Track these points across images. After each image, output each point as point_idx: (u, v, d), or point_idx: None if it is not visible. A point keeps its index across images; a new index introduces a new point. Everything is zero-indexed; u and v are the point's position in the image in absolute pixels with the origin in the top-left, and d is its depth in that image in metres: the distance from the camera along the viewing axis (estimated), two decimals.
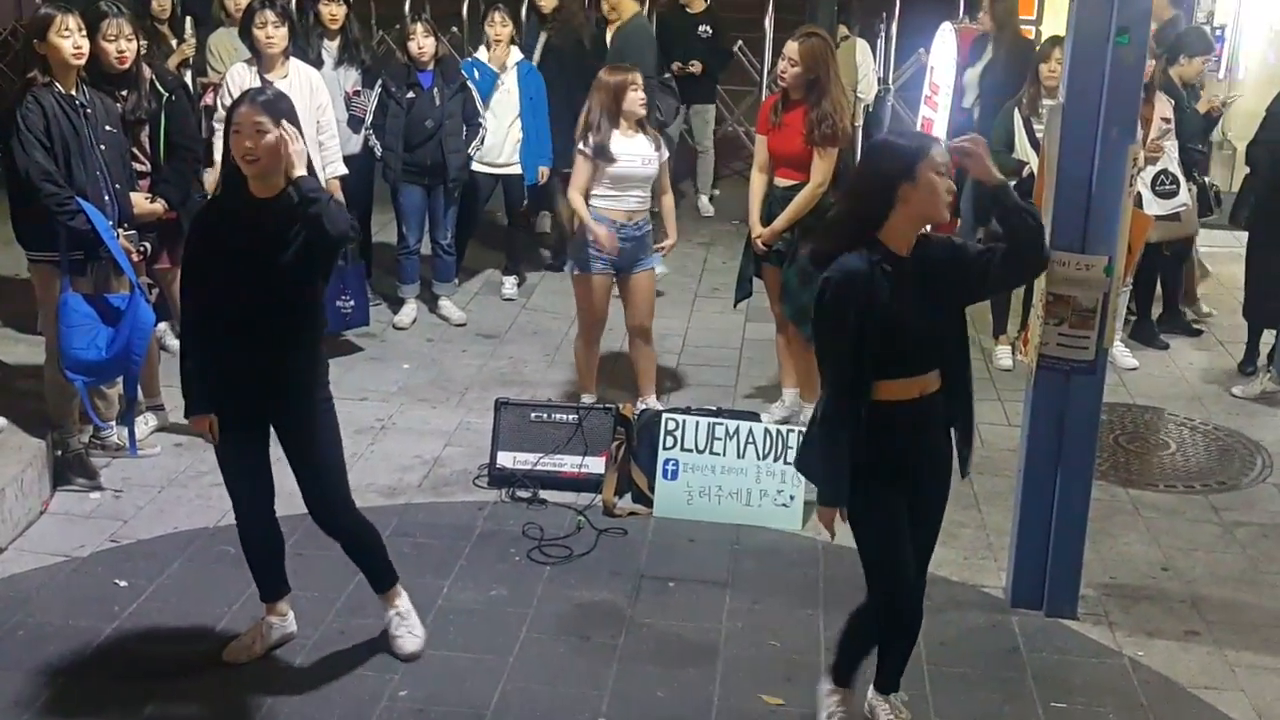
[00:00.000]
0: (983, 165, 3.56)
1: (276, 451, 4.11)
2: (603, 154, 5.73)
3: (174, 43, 7.55)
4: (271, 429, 4.06)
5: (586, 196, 5.82)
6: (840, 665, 3.87)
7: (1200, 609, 4.74)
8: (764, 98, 6.31)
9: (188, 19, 7.81)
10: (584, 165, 5.79)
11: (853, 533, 3.63)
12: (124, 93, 5.34)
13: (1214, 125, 7.89)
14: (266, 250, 3.81)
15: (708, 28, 9.03)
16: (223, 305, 3.89)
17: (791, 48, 5.90)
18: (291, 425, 4.04)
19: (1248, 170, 6.85)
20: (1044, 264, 3.75)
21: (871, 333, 3.40)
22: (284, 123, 3.77)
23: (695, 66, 8.88)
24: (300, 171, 3.78)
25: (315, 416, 4.05)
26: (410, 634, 4.25)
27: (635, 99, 5.81)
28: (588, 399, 6.04)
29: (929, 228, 3.67)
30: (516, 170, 7.68)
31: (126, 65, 5.27)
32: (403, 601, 4.31)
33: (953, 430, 3.68)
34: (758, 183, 6.03)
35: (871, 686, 3.93)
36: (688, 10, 9.13)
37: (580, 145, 5.81)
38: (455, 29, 10.69)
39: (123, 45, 5.23)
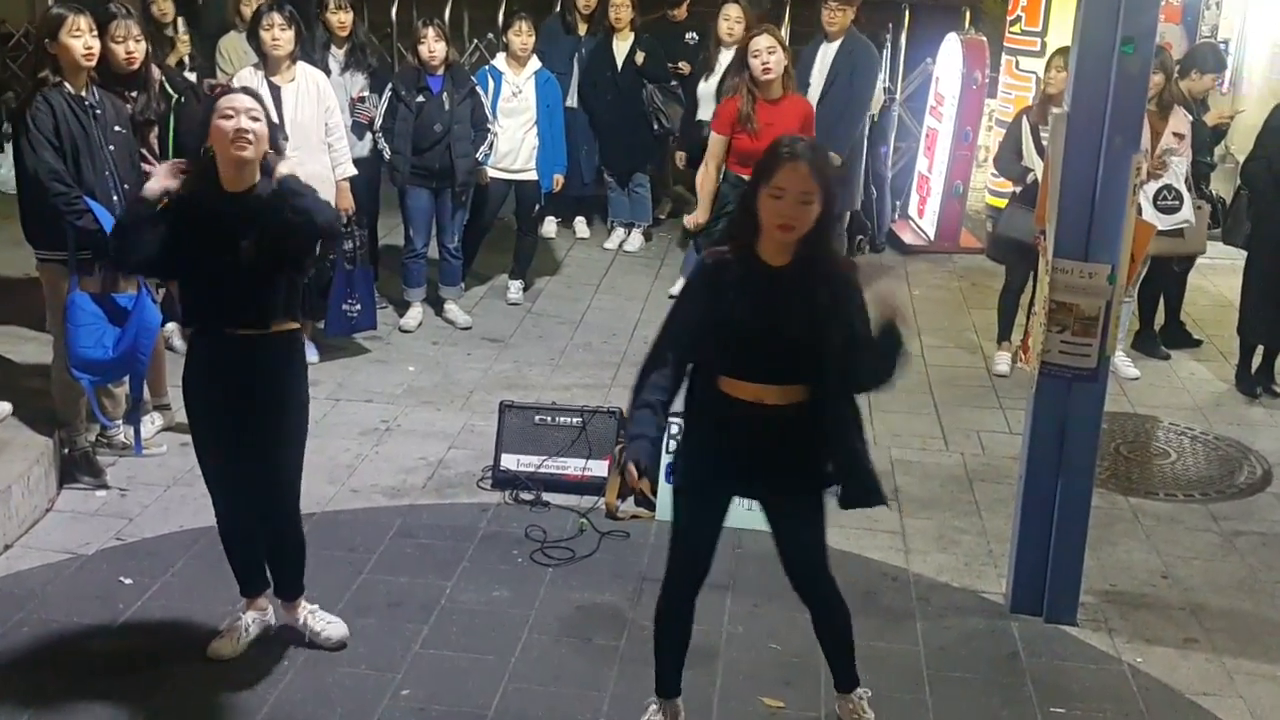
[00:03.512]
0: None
1: None
2: None
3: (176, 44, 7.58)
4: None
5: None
6: (657, 672, 3.87)
7: (1199, 617, 4.73)
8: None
9: (179, 20, 7.83)
10: None
11: None
12: (133, 94, 5.35)
13: (1221, 139, 7.89)
14: (238, 242, 3.82)
15: (694, 34, 9.03)
16: (201, 296, 3.96)
17: (765, 41, 5.95)
18: (262, 413, 4.04)
19: (1243, 189, 6.79)
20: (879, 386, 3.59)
21: (710, 326, 3.48)
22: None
23: (684, 67, 8.87)
24: (286, 170, 3.87)
25: (282, 410, 4.07)
26: (329, 622, 4.27)
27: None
28: None
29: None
30: (532, 176, 7.71)
31: (135, 66, 5.28)
32: (307, 604, 4.32)
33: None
34: (714, 179, 6.29)
35: (836, 694, 3.92)
36: (674, 19, 9.12)
37: None
38: (491, 35, 10.75)
39: (131, 46, 5.24)
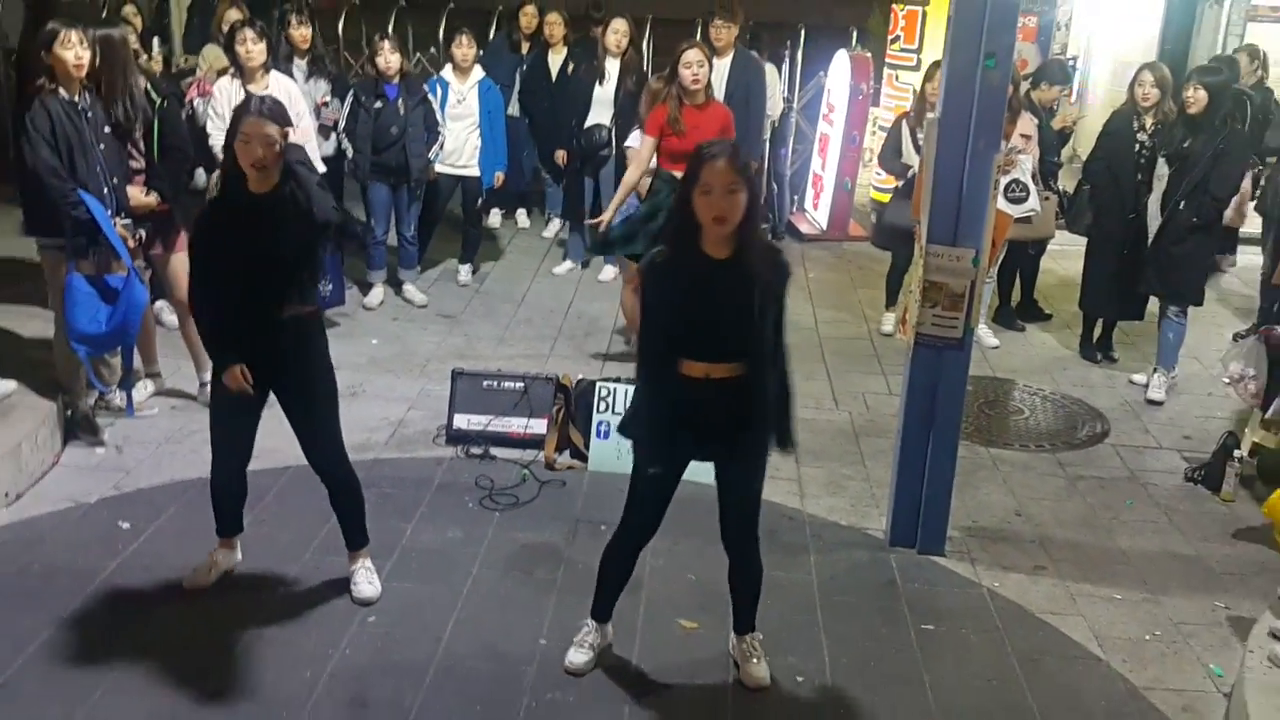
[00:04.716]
0: None
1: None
2: None
3: (144, 59, 7.43)
4: (271, 396, 4.05)
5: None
6: (595, 600, 3.91)
7: (1047, 548, 4.85)
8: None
9: (155, 39, 7.72)
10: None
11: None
12: (91, 92, 5.11)
13: (1066, 140, 8.04)
14: (267, 239, 3.78)
15: None
16: (232, 288, 3.87)
17: (695, 55, 5.96)
18: (299, 386, 4.02)
19: (1085, 184, 6.91)
20: None
21: (665, 316, 3.44)
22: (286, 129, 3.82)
23: None
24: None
25: (320, 377, 4.05)
26: (369, 583, 4.22)
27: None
28: None
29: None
30: (475, 172, 7.65)
31: (83, 73, 5.02)
32: (368, 562, 4.28)
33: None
34: (636, 176, 6.16)
35: (731, 630, 3.95)
36: (594, 37, 9.05)
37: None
38: (434, 49, 10.66)
39: (79, 53, 4.97)
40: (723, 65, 7.41)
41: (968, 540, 4.84)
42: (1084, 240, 7.00)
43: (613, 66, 7.81)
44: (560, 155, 8.26)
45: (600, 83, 7.85)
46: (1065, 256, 8.23)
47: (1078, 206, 6.99)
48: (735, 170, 3.32)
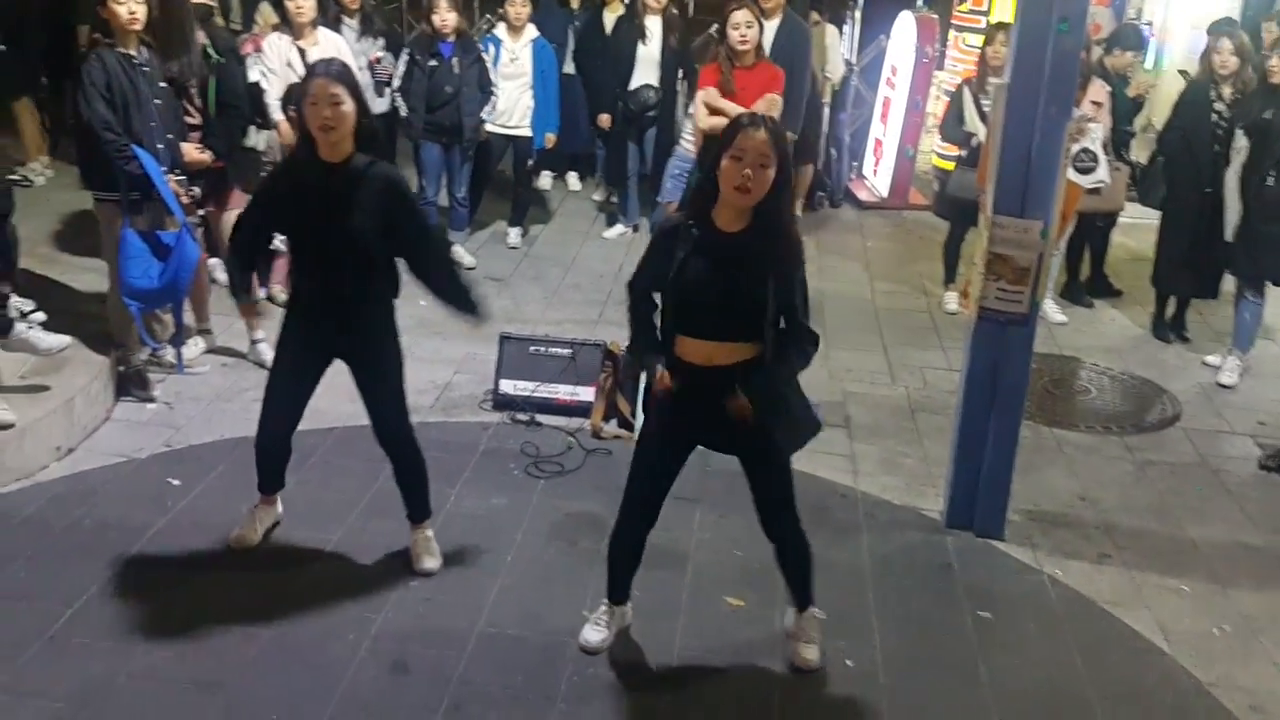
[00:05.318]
0: None
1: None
2: None
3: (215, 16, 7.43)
4: (336, 361, 4.00)
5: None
6: (609, 584, 3.81)
7: (1112, 535, 4.71)
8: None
9: None
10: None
11: None
12: (145, 47, 5.07)
13: (1140, 108, 7.78)
14: (336, 213, 3.69)
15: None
16: (301, 254, 3.83)
17: (743, 15, 5.82)
18: (363, 361, 3.97)
19: (1160, 155, 6.68)
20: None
21: (665, 284, 3.34)
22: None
23: None
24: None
25: (385, 355, 3.98)
26: (430, 555, 4.17)
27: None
28: None
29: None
30: (527, 132, 7.56)
31: (138, 27, 4.97)
32: (429, 533, 4.23)
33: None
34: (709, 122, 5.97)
35: (790, 608, 3.85)
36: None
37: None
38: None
39: (133, 7, 4.91)
40: (770, 28, 7.23)
41: (1029, 525, 4.71)
42: (1157, 214, 6.79)
43: (654, 25, 7.68)
44: (604, 119, 8.09)
45: (644, 41, 7.71)
46: (1137, 230, 7.99)
47: (1151, 178, 6.77)
48: (772, 145, 3.20)
